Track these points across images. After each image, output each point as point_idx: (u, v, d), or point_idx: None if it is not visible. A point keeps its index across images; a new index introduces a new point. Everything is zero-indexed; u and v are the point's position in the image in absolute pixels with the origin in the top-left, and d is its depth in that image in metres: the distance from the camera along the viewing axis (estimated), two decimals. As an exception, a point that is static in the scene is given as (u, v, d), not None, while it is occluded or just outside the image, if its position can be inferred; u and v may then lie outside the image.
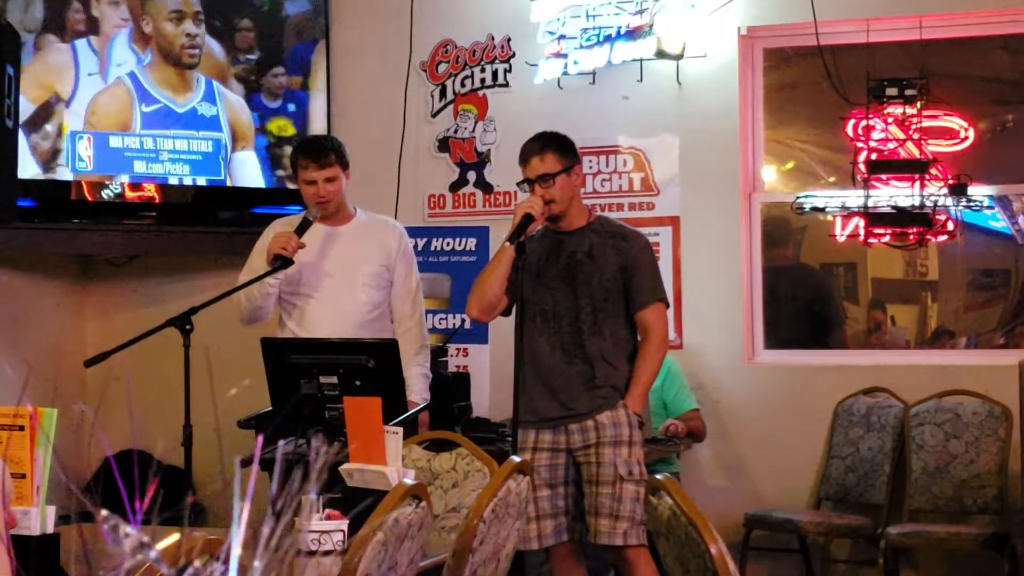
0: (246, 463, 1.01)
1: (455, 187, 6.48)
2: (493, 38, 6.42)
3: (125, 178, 6.26)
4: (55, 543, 2.69)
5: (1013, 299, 6.32)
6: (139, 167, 6.28)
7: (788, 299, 6.46)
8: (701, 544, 2.25)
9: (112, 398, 6.05)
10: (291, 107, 6.54)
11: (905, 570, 5.75)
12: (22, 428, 2.66)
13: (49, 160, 6.15)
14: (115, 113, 6.27)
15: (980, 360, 5.99)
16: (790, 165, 6.54)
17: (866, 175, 5.87)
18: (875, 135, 5.89)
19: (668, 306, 4.56)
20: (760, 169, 6.26)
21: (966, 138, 6.02)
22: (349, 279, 4.80)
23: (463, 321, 5.84)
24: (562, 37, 6.18)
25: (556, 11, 6.19)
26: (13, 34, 5.65)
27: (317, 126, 6.46)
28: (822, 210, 6.08)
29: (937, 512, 5.63)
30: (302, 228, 4.66)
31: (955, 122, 6.01)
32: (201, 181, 6.38)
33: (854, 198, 5.92)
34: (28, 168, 6.04)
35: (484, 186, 6.43)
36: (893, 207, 5.84)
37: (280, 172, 6.48)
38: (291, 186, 6.34)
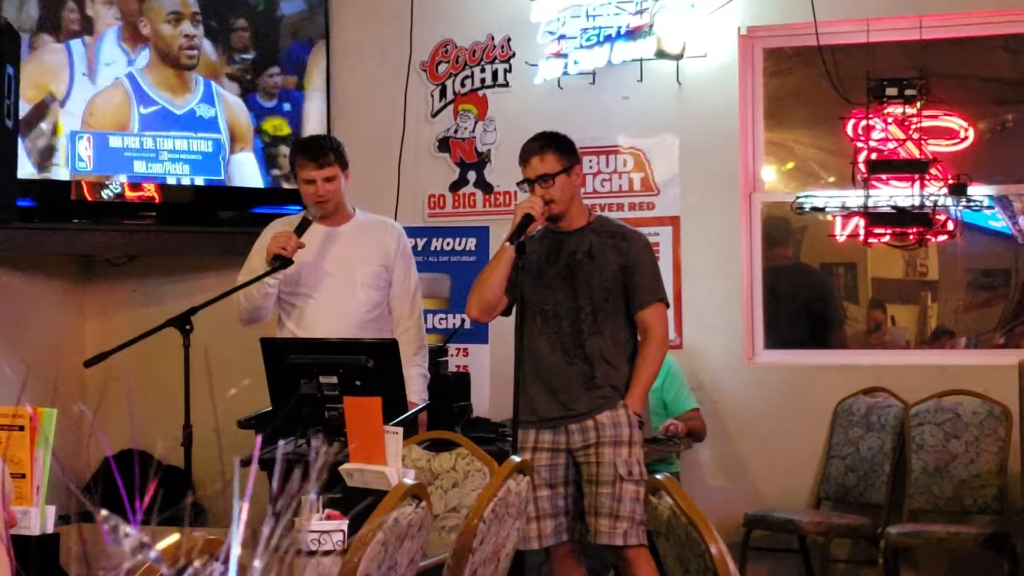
0: (246, 463, 1.01)
1: (455, 187, 6.48)
2: (493, 38, 6.42)
3: (125, 178, 6.26)
4: (55, 543, 2.68)
5: (1013, 299, 6.32)
6: (139, 167, 6.27)
7: (788, 299, 6.46)
8: (701, 544, 2.25)
9: (112, 398, 6.05)
10: (286, 107, 6.53)
11: (905, 570, 5.75)
12: (22, 428, 2.66)
13: (44, 160, 6.15)
14: (112, 115, 6.26)
15: (980, 360, 5.99)
16: (790, 165, 6.54)
17: (866, 175, 5.87)
18: (875, 135, 5.89)
19: (668, 306, 4.56)
20: (760, 169, 6.26)
21: (966, 138, 6.02)
22: (348, 279, 4.79)
23: (463, 321, 5.84)
24: (562, 37, 6.18)
25: (556, 11, 6.19)
26: (13, 34, 5.65)
27: (312, 126, 6.44)
28: (822, 210, 6.09)
29: (937, 512, 5.63)
30: (301, 228, 4.66)
31: (955, 122, 6.01)
32: (201, 181, 6.38)
33: (854, 198, 5.92)
34: (23, 168, 6.03)
35: (484, 186, 6.43)
36: (893, 207, 5.84)
37: (275, 171, 6.48)
38: (286, 185, 6.35)
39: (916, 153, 5.86)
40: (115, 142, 6.25)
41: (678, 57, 6.06)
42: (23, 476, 2.66)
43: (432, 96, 6.54)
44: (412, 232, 5.91)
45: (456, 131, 6.49)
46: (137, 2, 6.34)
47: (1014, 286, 6.34)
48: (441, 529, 3.61)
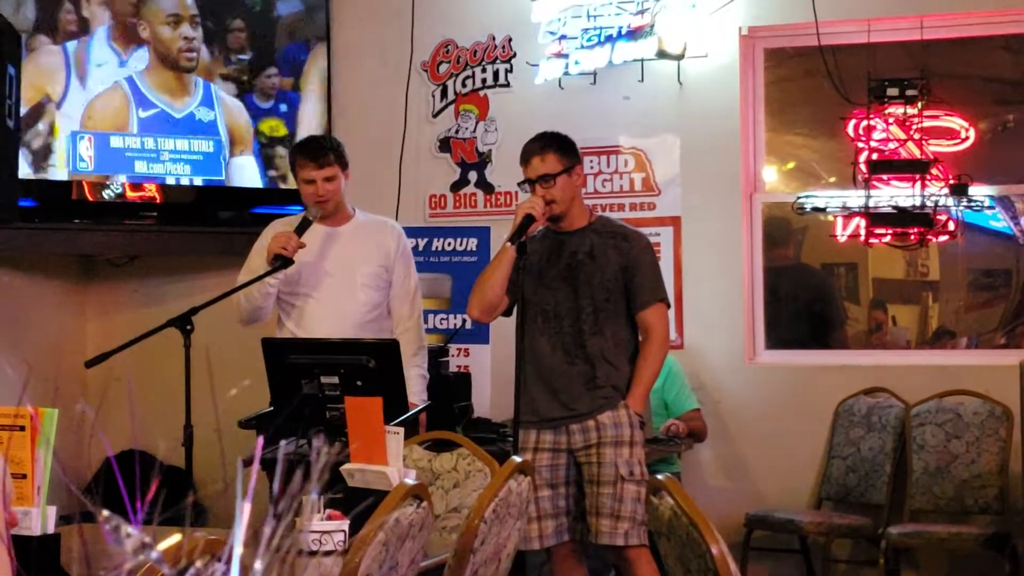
0: (247, 463, 1.01)
1: (456, 187, 6.48)
2: (494, 38, 6.42)
3: (125, 178, 6.26)
4: (56, 543, 2.69)
5: (1014, 299, 6.31)
6: (140, 167, 6.27)
7: (789, 299, 6.45)
8: (702, 544, 2.25)
9: (113, 398, 6.05)
10: (283, 107, 6.53)
11: (906, 570, 5.74)
12: (23, 428, 2.66)
13: (40, 161, 6.13)
14: (111, 118, 6.25)
15: (981, 360, 5.99)
16: (791, 165, 6.54)
17: (867, 175, 5.87)
18: (876, 135, 5.89)
19: (669, 306, 4.55)
20: (761, 169, 6.26)
21: (967, 138, 6.02)
22: (348, 279, 4.79)
23: (464, 321, 5.83)
24: (563, 37, 6.18)
25: (557, 11, 6.19)
26: (14, 34, 5.64)
27: (307, 128, 6.42)
28: (823, 210, 6.08)
29: (938, 512, 5.63)
30: (302, 228, 4.66)
31: (956, 122, 6.01)
32: (200, 181, 6.38)
33: (855, 198, 5.92)
34: (19, 169, 6.03)
35: (485, 186, 6.43)
36: (894, 207, 5.84)
37: (272, 172, 6.48)
38: (283, 186, 6.35)
39: (917, 153, 5.86)
40: (116, 142, 6.25)
41: (679, 57, 6.06)
42: (24, 476, 2.66)
43: (433, 96, 6.54)
44: (413, 232, 5.92)
45: (457, 131, 6.49)
46: (132, 3, 6.33)
47: (1015, 286, 6.33)
48: (442, 529, 3.61)
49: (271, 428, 3.87)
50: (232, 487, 0.99)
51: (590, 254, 4.46)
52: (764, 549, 5.76)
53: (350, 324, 4.70)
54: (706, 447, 5.96)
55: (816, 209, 6.09)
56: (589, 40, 6.12)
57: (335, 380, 3.91)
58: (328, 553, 2.96)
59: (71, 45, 6.24)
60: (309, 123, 6.47)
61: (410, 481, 2.86)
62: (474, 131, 6.46)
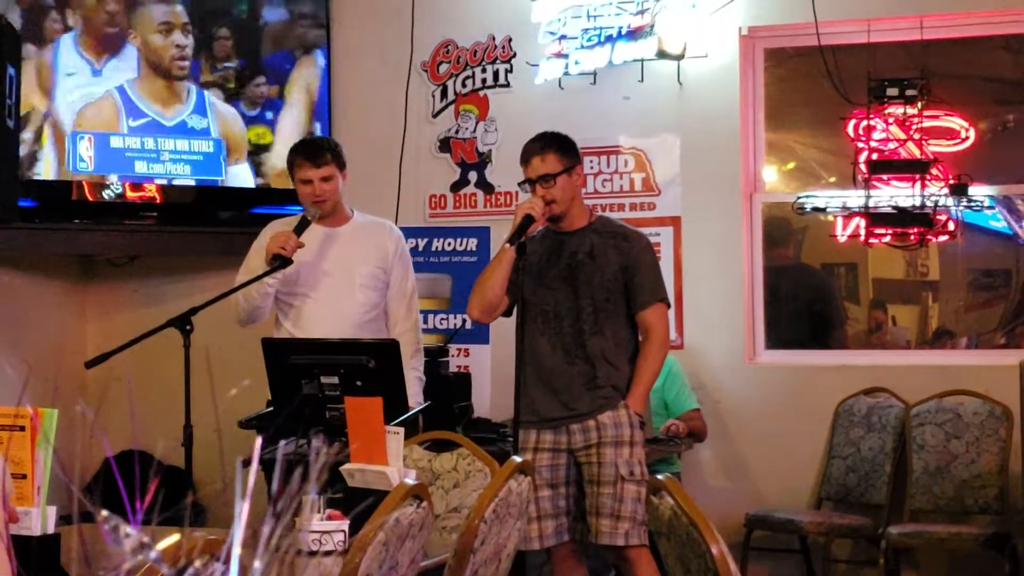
0: (246, 463, 1.01)
1: (456, 187, 6.48)
2: (494, 38, 6.42)
3: (124, 178, 6.25)
4: (56, 543, 2.69)
5: (1014, 299, 6.32)
6: (140, 167, 6.27)
7: (789, 299, 6.45)
8: (702, 544, 2.25)
9: (113, 398, 6.04)
10: (269, 115, 6.53)
11: (906, 570, 5.74)
12: (23, 428, 2.66)
13: (25, 170, 6.10)
14: (102, 127, 6.24)
15: (981, 360, 5.99)
16: (791, 165, 6.54)
17: (867, 175, 5.87)
18: (876, 135, 5.89)
19: (669, 306, 4.55)
20: (761, 169, 6.26)
21: (967, 138, 6.02)
22: (346, 280, 4.79)
23: (464, 321, 5.83)
24: (563, 37, 6.18)
25: (557, 11, 6.19)
26: (14, 35, 5.64)
27: (286, 136, 6.34)
28: (823, 210, 6.08)
29: (938, 512, 5.63)
30: (300, 228, 4.66)
31: (956, 122, 6.01)
32: (192, 182, 6.37)
33: (855, 198, 5.92)
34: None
35: (485, 186, 6.43)
36: (894, 207, 5.84)
37: (260, 180, 6.48)
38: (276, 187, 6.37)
39: (917, 153, 5.86)
40: (116, 142, 6.25)
41: (679, 57, 6.06)
42: (24, 476, 2.66)
43: (433, 96, 6.54)
44: (413, 232, 5.92)
45: (457, 131, 6.49)
46: (124, 14, 6.32)
47: (1015, 286, 6.34)
48: (442, 529, 3.61)
49: (271, 428, 3.87)
50: (231, 487, 1.00)
51: (590, 254, 4.46)
52: (764, 549, 5.76)
53: (348, 324, 4.70)
54: (706, 447, 5.96)
55: (816, 209, 6.09)
56: (589, 40, 6.12)
57: (335, 380, 3.91)
58: (328, 553, 2.96)
59: (46, 53, 6.21)
60: (290, 132, 6.42)
61: (410, 481, 2.86)
62: (474, 131, 6.46)
